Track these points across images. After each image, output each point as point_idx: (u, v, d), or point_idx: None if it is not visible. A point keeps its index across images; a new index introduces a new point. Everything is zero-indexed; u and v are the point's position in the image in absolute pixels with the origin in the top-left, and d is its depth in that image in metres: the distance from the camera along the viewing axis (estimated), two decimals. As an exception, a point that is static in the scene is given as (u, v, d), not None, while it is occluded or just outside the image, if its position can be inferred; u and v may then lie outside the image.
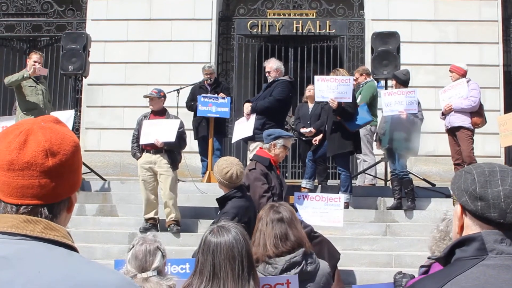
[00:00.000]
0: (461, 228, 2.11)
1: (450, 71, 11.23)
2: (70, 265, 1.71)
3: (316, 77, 10.66)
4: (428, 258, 3.90)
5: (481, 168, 2.10)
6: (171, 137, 10.22)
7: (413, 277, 4.48)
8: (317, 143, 11.18)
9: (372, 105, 12.06)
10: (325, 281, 4.26)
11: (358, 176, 12.96)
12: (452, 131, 10.95)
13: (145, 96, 10.67)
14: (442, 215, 4.29)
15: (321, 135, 11.15)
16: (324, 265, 4.37)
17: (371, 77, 12.40)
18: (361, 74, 12.28)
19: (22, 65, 14.04)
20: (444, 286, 1.95)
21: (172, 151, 10.40)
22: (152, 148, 10.29)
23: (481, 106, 10.97)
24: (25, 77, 11.30)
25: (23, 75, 11.30)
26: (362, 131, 11.76)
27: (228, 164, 6.65)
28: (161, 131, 10.28)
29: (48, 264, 1.68)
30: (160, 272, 4.48)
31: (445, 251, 2.11)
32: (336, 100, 10.26)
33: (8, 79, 11.33)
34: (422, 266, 4.03)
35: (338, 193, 10.15)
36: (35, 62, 11.50)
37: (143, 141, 10.30)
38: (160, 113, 10.62)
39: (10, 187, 1.76)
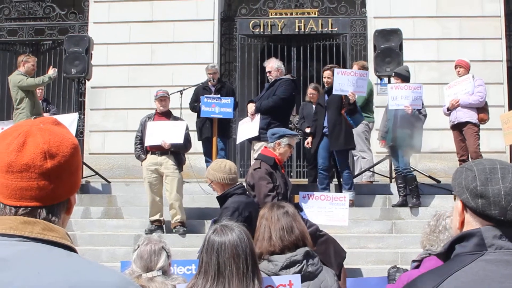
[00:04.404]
0: (462, 223, 2.12)
1: (457, 65, 11.20)
2: (69, 266, 1.70)
3: (336, 70, 10.65)
4: (429, 254, 3.92)
5: (482, 165, 2.09)
6: (179, 139, 10.21)
7: (406, 271, 4.51)
8: (310, 146, 11.20)
9: (369, 100, 12.13)
10: (326, 285, 4.23)
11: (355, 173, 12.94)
12: (458, 127, 10.93)
13: (159, 98, 10.59)
14: (434, 212, 4.35)
15: (310, 138, 11.17)
16: (329, 274, 4.33)
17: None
18: (359, 69, 12.19)
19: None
20: (444, 281, 1.95)
21: (178, 153, 10.40)
22: (158, 150, 10.28)
23: (485, 102, 10.98)
24: (51, 79, 11.98)
25: (50, 77, 11.64)
26: (360, 128, 11.84)
27: (220, 161, 7.01)
28: (168, 133, 10.26)
29: (47, 265, 1.68)
30: (165, 272, 4.51)
31: (445, 247, 2.12)
32: (358, 94, 10.44)
33: (38, 80, 11.64)
34: (414, 261, 4.07)
35: (340, 191, 10.20)
36: (33, 65, 11.74)
37: (148, 142, 10.28)
38: (165, 114, 10.62)
39: (8, 189, 1.76)
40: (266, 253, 4.19)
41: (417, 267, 3.95)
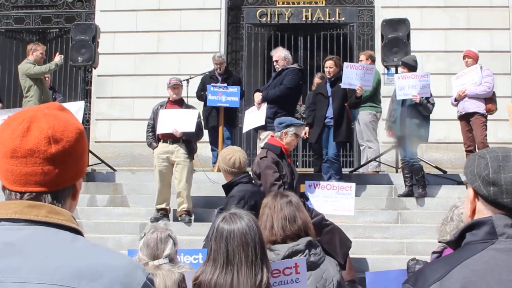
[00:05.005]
0: (473, 211, 2.09)
1: (466, 55, 11.18)
2: (76, 249, 1.71)
3: (345, 63, 10.66)
4: (439, 241, 3.90)
5: (495, 153, 2.07)
6: (191, 127, 10.18)
7: (426, 263, 4.48)
8: (307, 136, 11.16)
9: (377, 90, 12.08)
10: (328, 275, 4.22)
11: (361, 163, 12.91)
12: (466, 117, 10.92)
13: (172, 86, 10.55)
14: (439, 202, 4.35)
15: (307, 128, 11.08)
16: (331, 264, 4.32)
17: (375, 63, 12.33)
18: (367, 59, 12.12)
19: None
20: (453, 269, 1.93)
21: (189, 141, 10.35)
22: (170, 138, 10.26)
23: (493, 92, 10.95)
24: (58, 66, 12.19)
25: (56, 63, 11.74)
26: (367, 118, 11.92)
27: (230, 152, 6.87)
28: (180, 121, 10.23)
29: (54, 248, 1.68)
30: (171, 259, 4.52)
31: (456, 235, 2.10)
32: (363, 88, 10.50)
33: (45, 68, 11.82)
34: (434, 252, 4.02)
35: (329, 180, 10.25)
36: (41, 53, 11.81)
37: (160, 130, 10.25)
38: (178, 102, 10.59)
39: (13, 174, 1.76)
40: (267, 243, 4.17)
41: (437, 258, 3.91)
